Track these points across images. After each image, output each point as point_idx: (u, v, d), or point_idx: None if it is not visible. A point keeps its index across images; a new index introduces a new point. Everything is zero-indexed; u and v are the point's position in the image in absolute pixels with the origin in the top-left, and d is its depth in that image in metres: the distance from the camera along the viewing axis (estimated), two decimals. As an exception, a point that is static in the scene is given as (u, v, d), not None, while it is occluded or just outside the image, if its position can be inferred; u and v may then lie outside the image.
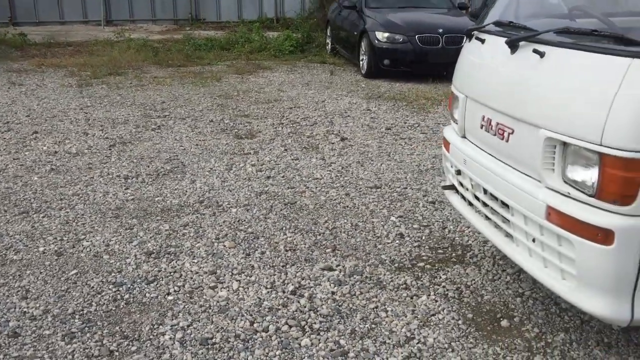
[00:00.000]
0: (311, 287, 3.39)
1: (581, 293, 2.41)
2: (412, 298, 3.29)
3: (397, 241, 4.00)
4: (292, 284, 3.41)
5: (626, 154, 2.17)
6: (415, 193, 4.87)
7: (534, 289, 3.36)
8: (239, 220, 4.29)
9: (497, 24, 3.15)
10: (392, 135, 6.64)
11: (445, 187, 3.62)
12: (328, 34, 13.17)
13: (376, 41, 9.89)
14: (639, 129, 2.14)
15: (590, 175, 2.33)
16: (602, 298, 2.35)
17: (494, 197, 2.93)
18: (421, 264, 3.68)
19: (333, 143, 6.34)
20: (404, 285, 3.42)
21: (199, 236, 4.03)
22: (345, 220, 4.32)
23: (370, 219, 4.34)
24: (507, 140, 2.80)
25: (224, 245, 3.89)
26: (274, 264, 3.65)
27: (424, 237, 4.05)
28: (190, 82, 9.66)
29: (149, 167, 5.52)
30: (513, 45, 2.78)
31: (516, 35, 2.80)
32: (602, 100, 2.23)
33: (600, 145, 2.24)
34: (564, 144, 2.44)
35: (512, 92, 2.74)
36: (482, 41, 3.15)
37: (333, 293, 3.33)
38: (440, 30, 9.72)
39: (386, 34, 9.89)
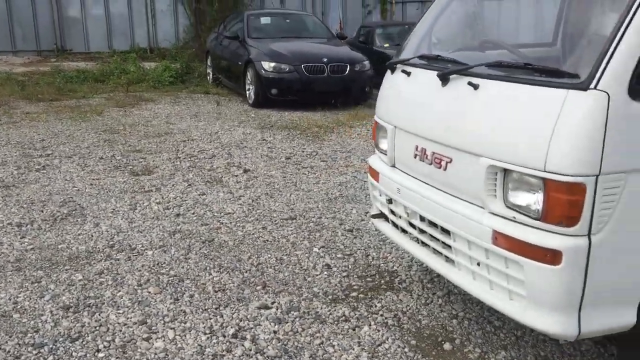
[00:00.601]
0: (251, 327, 3.29)
1: (531, 312, 2.53)
2: (354, 330, 3.29)
3: (325, 272, 3.99)
4: (232, 327, 3.29)
5: (569, 179, 2.32)
6: (331, 222, 4.90)
7: (466, 310, 3.48)
8: (158, 263, 4.08)
9: (423, 57, 3.27)
10: (294, 165, 6.67)
11: (374, 216, 3.68)
12: (209, 64, 13.05)
13: (263, 71, 9.93)
14: (579, 154, 2.30)
15: (534, 200, 2.47)
16: (552, 316, 2.47)
17: (433, 224, 3.02)
18: (354, 294, 3.70)
19: (236, 175, 6.25)
20: (344, 317, 3.41)
21: (118, 284, 3.78)
22: (269, 255, 4.25)
23: (293, 252, 4.31)
24: (444, 169, 2.90)
25: (149, 292, 3.67)
26: (206, 307, 3.50)
27: (350, 267, 4.08)
28: (68, 117, 9.14)
29: (42, 211, 5.12)
30: (444, 78, 2.90)
31: (447, 69, 2.93)
32: (543, 129, 2.38)
33: (544, 171, 2.38)
34: (505, 170, 2.57)
35: (449, 123, 2.85)
36: (408, 74, 3.26)
37: (275, 332, 3.25)
38: (325, 60, 9.96)
39: (272, 64, 9.96)
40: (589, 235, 2.37)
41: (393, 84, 3.44)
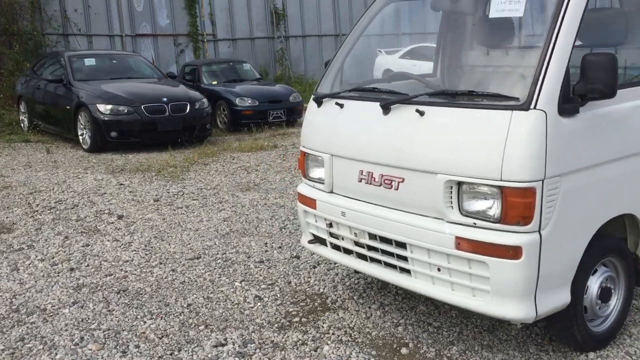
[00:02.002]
0: (219, 366, 3.29)
1: (495, 304, 2.92)
2: (316, 350, 3.44)
3: (259, 303, 4.07)
4: (200, 368, 3.25)
5: (523, 184, 2.77)
6: (237, 257, 4.96)
7: (404, 317, 3.81)
8: (82, 320, 3.84)
9: (355, 90, 3.59)
10: (167, 206, 6.56)
11: (311, 242, 3.87)
12: (22, 110, 12.11)
13: (99, 114, 9.55)
14: (529, 164, 2.76)
15: (489, 205, 2.88)
16: (514, 304, 2.89)
17: (385, 240, 3.30)
18: (297, 319, 3.84)
19: (112, 222, 5.99)
20: (300, 341, 3.54)
21: (51, 347, 3.50)
22: (195, 295, 4.21)
23: (217, 289, 4.31)
24: (396, 189, 3.22)
25: (90, 349, 3.46)
26: (160, 355, 3.41)
27: (278, 295, 4.21)
28: None
29: None
30: (387, 108, 3.24)
31: (388, 100, 3.26)
32: (496, 145, 2.81)
33: (501, 180, 2.80)
34: (459, 184, 2.96)
35: (397, 147, 3.18)
36: (341, 106, 3.54)
37: (244, 366, 3.29)
38: (165, 99, 9.88)
39: (109, 106, 9.62)
40: (539, 230, 2.83)
41: (324, 116, 3.68)
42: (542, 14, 3.11)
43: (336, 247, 3.70)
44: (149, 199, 6.85)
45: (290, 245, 5.20)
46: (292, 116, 12.21)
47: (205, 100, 10.43)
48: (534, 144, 2.76)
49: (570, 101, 2.86)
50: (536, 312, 2.91)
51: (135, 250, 5.16)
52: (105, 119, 9.55)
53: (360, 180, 3.42)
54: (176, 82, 11.30)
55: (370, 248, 3.44)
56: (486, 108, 2.92)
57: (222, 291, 4.28)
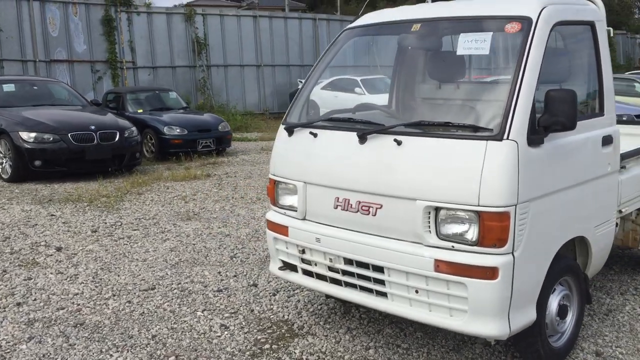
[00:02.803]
0: (199, 396, 3.25)
1: (473, 323, 3.09)
2: (294, 376, 3.48)
3: (226, 332, 4.06)
4: (181, 399, 3.20)
5: (499, 209, 2.98)
6: (194, 286, 4.91)
7: (374, 340, 3.91)
8: (43, 355, 3.69)
9: (330, 120, 3.71)
10: (107, 237, 6.38)
11: (281, 268, 3.91)
12: None
13: (21, 142, 9.18)
14: (504, 190, 2.97)
15: (467, 229, 3.07)
16: (490, 322, 3.06)
17: (362, 264, 3.42)
18: (267, 346, 3.85)
19: (51, 255, 5.76)
20: (276, 368, 3.57)
21: (15, 385, 3.34)
22: (158, 326, 4.13)
23: (180, 319, 4.26)
24: (374, 215, 3.35)
25: (60, 385, 3.34)
26: (135, 387, 3.33)
27: (244, 323, 4.20)
28: None
29: None
30: (363, 137, 3.38)
31: (364, 129, 3.41)
32: (473, 173, 3.00)
33: (479, 205, 3.00)
34: (436, 209, 3.13)
35: (374, 175, 3.31)
36: (315, 135, 3.65)
37: (225, 394, 3.26)
38: (93, 127, 9.61)
39: (33, 134, 9.26)
40: (512, 252, 3.04)
41: (296, 145, 3.77)
42: (506, 52, 3.37)
43: (308, 273, 3.77)
44: (86, 230, 6.63)
45: (244, 273, 5.20)
46: (221, 145, 12.18)
47: (134, 128, 10.24)
48: (508, 172, 2.98)
49: (536, 132, 3.11)
50: (510, 329, 3.10)
51: (83, 283, 4.99)
52: (29, 147, 9.17)
53: (336, 207, 3.52)
54: (103, 110, 11.03)
55: (345, 273, 3.53)
56: (461, 138, 3.12)
57: (185, 321, 4.23)
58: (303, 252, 3.72)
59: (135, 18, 17.98)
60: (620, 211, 4.03)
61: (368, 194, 3.37)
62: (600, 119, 3.71)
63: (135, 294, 4.75)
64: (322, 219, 3.63)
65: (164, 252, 5.83)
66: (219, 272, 5.23)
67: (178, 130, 11.62)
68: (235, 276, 5.14)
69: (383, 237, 3.34)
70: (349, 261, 3.48)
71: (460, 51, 3.48)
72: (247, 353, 3.76)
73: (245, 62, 19.97)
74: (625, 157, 4.01)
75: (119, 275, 5.18)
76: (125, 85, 17.53)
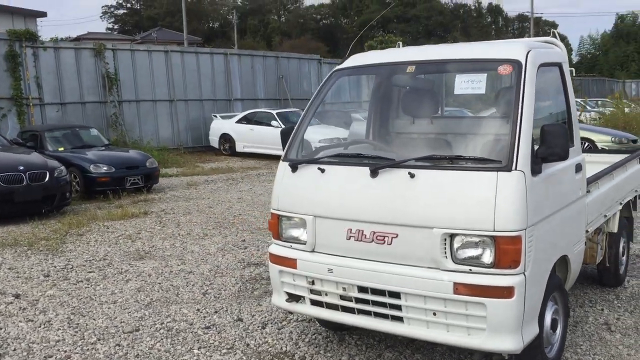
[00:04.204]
0: None
1: (492, 340, 3.34)
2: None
3: (231, 368, 4.08)
4: None
5: (513, 233, 3.28)
6: (179, 325, 4.87)
7: (377, 364, 4.09)
8: (52, 406, 3.55)
9: (337, 156, 3.89)
10: (64, 281, 6.14)
11: (289, 300, 4.00)
12: None
13: (-57, 185, 8.60)
14: (516, 216, 3.28)
15: (482, 253, 3.34)
16: (507, 338, 3.34)
17: (377, 292, 3.59)
18: (278, 378, 3.92)
19: (11, 302, 5.49)
20: (296, 398, 3.64)
21: None
22: (160, 367, 4.08)
23: (179, 359, 4.22)
24: (389, 244, 3.55)
25: None
26: None
27: (245, 358, 4.24)
28: None
29: None
30: (375, 172, 3.59)
31: (376, 164, 3.62)
32: (487, 201, 3.29)
33: (494, 231, 3.28)
34: (451, 236, 3.39)
35: (390, 206, 3.53)
36: (322, 171, 3.82)
37: None
38: (22, 168, 9.20)
39: (-44, 176, 8.71)
40: (524, 272, 3.34)
41: (303, 180, 3.91)
42: (502, 92, 3.73)
43: (317, 303, 3.89)
44: (37, 275, 6.35)
45: (224, 309, 5.21)
46: (150, 182, 11.96)
47: (63, 167, 9.88)
48: (518, 199, 3.29)
49: (536, 163, 3.46)
50: (523, 343, 3.39)
51: (60, 329, 4.80)
52: (-48, 190, 8.62)
53: (349, 238, 3.69)
54: (28, 150, 10.55)
55: (358, 300, 3.70)
56: (472, 170, 3.41)
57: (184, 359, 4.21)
58: (312, 283, 3.84)
59: (41, 53, 17.28)
60: (587, 231, 4.47)
61: (383, 224, 3.57)
62: (572, 149, 4.15)
63: (120, 336, 4.65)
64: (334, 250, 3.78)
65: (132, 293, 5.71)
66: (198, 310, 5.21)
67: (105, 168, 11.30)
68: (216, 312, 5.14)
69: (398, 264, 3.54)
70: (363, 289, 3.65)
71: (457, 91, 3.80)
72: (261, 386, 3.81)
73: (158, 97, 19.66)
74: (589, 182, 4.48)
75: (94, 319, 5.02)
76: (32, 123, 16.74)
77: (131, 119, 19.00)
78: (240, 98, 21.97)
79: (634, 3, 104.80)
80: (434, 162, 3.57)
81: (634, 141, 14.61)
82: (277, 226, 4.05)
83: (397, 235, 3.54)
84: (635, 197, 5.89)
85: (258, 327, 4.79)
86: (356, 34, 65.25)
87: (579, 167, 4.16)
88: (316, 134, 5.73)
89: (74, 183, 11.35)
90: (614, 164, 5.32)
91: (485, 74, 3.71)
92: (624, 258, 5.69)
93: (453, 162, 3.52)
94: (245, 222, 8.94)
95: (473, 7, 70.93)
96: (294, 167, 3.97)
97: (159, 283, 6.00)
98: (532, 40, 4.34)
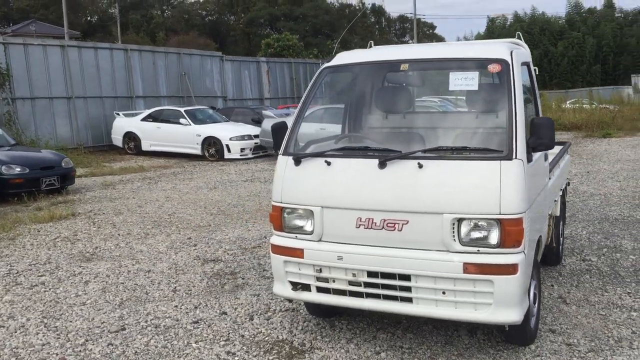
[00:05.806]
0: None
1: (498, 313, 3.68)
2: (336, 385, 3.74)
3: (236, 357, 4.15)
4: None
5: (516, 216, 3.64)
6: (164, 321, 4.84)
7: (376, 345, 4.31)
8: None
9: (343, 149, 4.07)
10: (17, 286, 5.87)
11: (295, 289, 4.14)
12: None
13: None
14: (519, 200, 3.64)
15: (487, 234, 3.67)
16: (511, 310, 3.69)
17: (388, 275, 3.83)
18: (287, 365, 4.05)
19: (-33, 310, 5.18)
20: (314, 381, 3.80)
21: None
22: (166, 363, 4.08)
23: (181, 353, 4.25)
24: (400, 230, 3.79)
25: None
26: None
27: (246, 348, 4.32)
28: None
29: None
30: (383, 164, 3.82)
31: (384, 156, 3.85)
32: (493, 188, 3.63)
33: (500, 214, 3.62)
34: (459, 220, 3.70)
35: (399, 194, 3.77)
36: (329, 163, 3.99)
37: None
38: None
39: None
40: (524, 251, 3.72)
41: (308, 173, 4.05)
42: (493, 88, 4.09)
43: (323, 290, 4.06)
44: (-16, 281, 6.00)
45: (203, 304, 5.23)
46: (66, 183, 11.43)
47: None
48: (520, 185, 3.66)
49: (528, 152, 3.84)
50: (522, 315, 3.76)
51: (40, 333, 4.63)
52: None
53: (358, 227, 3.89)
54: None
55: (367, 285, 3.91)
56: (477, 159, 3.74)
57: (188, 354, 4.23)
58: (320, 270, 4.01)
59: None
60: (550, 214, 4.97)
61: (393, 212, 3.81)
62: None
63: (108, 336, 4.57)
64: (342, 238, 3.96)
65: (98, 294, 5.56)
66: (176, 306, 5.19)
67: (18, 169, 10.68)
68: (196, 308, 5.15)
69: (409, 248, 3.80)
70: (372, 274, 3.87)
71: (451, 87, 4.11)
72: (275, 373, 3.93)
73: (55, 94, 18.67)
74: (550, 169, 4.97)
75: (71, 321, 4.88)
76: None
77: (26, 117, 17.94)
78: (142, 95, 21.34)
79: (503, 6, 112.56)
80: (440, 153, 3.86)
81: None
82: (279, 218, 4.17)
83: (407, 222, 3.79)
84: (566, 184, 6.54)
85: (246, 319, 4.87)
86: (244, 30, 64.95)
87: (546, 156, 4.62)
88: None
89: (-17, 185, 10.65)
90: (559, 153, 5.90)
91: (478, 72, 4.04)
92: (562, 239, 6.32)
93: (458, 153, 3.83)
94: (183, 220, 8.85)
95: (357, 7, 73.01)
96: (297, 161, 4.10)
97: (122, 283, 5.89)
98: (505, 41, 4.74)
